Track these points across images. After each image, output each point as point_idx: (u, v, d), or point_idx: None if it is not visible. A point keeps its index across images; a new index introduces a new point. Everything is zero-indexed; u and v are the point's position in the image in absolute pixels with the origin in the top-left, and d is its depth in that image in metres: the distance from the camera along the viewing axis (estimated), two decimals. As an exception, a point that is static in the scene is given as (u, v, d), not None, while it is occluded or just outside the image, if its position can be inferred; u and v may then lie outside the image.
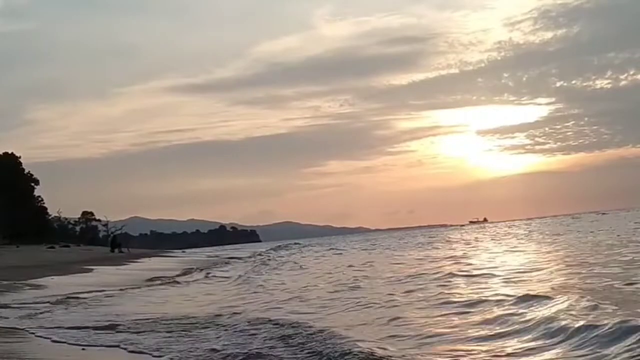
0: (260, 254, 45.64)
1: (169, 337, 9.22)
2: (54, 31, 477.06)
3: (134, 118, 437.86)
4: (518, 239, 36.64)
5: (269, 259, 36.79)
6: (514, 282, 12.88)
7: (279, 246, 71.62)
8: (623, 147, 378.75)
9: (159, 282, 22.91)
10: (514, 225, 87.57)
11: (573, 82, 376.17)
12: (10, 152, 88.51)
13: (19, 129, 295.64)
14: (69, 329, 10.34)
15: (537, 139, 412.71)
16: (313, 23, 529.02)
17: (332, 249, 48.38)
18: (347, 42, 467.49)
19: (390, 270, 19.66)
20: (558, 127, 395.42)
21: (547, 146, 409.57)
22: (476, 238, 46.53)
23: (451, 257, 24.05)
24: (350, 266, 23.34)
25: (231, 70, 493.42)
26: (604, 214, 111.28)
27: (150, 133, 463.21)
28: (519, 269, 15.63)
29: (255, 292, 16.07)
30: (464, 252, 27.55)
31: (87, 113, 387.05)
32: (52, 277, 23.56)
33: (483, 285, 12.67)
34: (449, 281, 14.09)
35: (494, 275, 14.50)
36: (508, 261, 19.28)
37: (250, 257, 43.35)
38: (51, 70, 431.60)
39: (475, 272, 15.78)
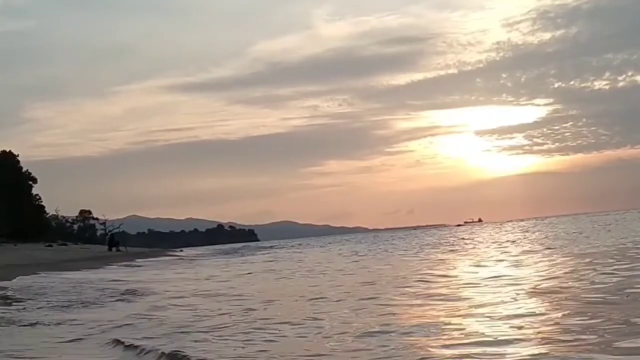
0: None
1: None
2: (53, 31, 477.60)
3: (132, 117, 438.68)
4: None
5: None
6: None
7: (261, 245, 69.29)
8: (621, 148, 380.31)
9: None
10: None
11: (571, 82, 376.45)
12: (8, 150, 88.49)
13: (17, 128, 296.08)
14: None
15: (535, 139, 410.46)
16: (312, 23, 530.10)
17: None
18: (346, 42, 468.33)
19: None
20: (556, 127, 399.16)
21: (545, 147, 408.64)
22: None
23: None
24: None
25: (230, 70, 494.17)
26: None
27: (149, 132, 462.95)
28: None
29: None
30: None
31: (86, 112, 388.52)
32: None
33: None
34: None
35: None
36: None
37: None
38: (50, 69, 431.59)
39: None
